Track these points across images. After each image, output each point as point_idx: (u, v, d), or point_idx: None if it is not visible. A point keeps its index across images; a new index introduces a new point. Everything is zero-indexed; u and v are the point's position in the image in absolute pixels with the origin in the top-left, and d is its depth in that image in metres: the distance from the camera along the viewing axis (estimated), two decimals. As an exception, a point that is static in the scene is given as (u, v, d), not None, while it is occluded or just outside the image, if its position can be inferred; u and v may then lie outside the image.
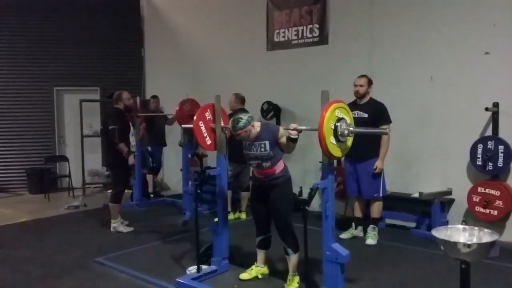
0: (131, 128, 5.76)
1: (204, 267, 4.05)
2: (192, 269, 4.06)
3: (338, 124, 3.09)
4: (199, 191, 4.05)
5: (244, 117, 3.49)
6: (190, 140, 6.50)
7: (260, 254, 3.99)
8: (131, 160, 5.52)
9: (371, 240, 4.93)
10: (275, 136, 3.56)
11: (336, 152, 3.16)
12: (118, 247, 4.95)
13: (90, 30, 8.77)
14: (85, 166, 8.37)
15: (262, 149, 3.55)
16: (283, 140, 3.54)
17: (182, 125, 5.79)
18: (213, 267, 4.09)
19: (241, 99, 5.99)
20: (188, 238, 5.11)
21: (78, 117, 8.39)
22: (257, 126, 3.59)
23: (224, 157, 4.17)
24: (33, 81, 8.58)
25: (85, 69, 8.77)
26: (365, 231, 5.07)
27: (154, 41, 9.01)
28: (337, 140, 3.11)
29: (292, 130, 3.36)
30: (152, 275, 4.06)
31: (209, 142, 4.21)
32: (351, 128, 3.17)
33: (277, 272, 4.05)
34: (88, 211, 6.94)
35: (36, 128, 8.65)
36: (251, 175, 4.35)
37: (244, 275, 3.97)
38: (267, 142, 3.54)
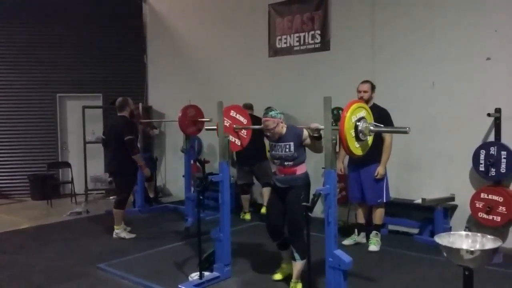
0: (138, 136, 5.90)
1: (206, 273, 4.04)
2: (195, 275, 4.06)
3: (359, 123, 3.14)
4: (201, 197, 4.05)
5: (277, 110, 3.80)
6: (193, 146, 6.52)
7: (285, 254, 4.02)
8: (147, 172, 5.68)
9: (374, 246, 4.91)
10: (300, 138, 3.71)
11: (357, 151, 3.21)
12: (120, 253, 4.95)
13: (93, 37, 8.82)
14: (88, 172, 8.39)
15: (287, 150, 3.72)
16: (308, 141, 3.68)
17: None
18: (215, 274, 4.08)
19: (245, 106, 6.02)
20: (190, 245, 5.11)
21: (80, 123, 8.41)
22: (283, 127, 3.79)
23: (226, 163, 4.17)
24: (36, 87, 8.61)
25: (88, 75, 8.80)
26: (368, 238, 5.06)
27: (157, 48, 9.05)
28: (358, 139, 3.16)
29: (313, 128, 3.49)
30: (154, 281, 4.05)
31: (238, 143, 4.32)
32: (372, 128, 3.21)
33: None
34: (90, 217, 6.94)
35: (39, 135, 8.67)
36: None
37: (277, 276, 4.02)
38: (292, 144, 3.71)
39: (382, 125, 3.31)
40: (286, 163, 3.74)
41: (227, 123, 4.19)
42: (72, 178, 8.19)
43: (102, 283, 4.17)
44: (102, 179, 8.79)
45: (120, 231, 5.63)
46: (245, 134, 4.38)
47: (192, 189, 6.44)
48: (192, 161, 6.61)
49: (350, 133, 3.08)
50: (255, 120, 5.26)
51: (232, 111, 4.27)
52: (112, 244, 5.40)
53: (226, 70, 7.72)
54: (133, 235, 5.65)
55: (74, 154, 8.83)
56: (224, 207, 4.16)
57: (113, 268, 4.47)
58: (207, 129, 5.65)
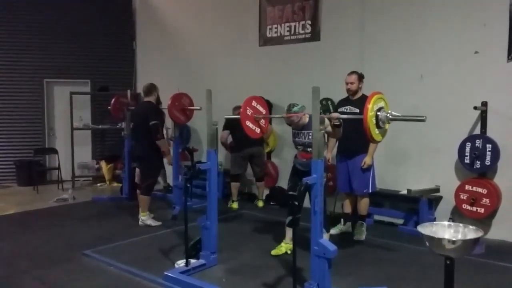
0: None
1: (192, 261, 4.06)
2: (181, 262, 4.07)
3: (379, 113, 3.36)
4: (188, 185, 4.06)
5: (299, 104, 4.13)
6: (181, 134, 6.48)
7: (289, 232, 4.31)
8: (169, 160, 5.58)
9: (359, 236, 4.96)
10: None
11: (378, 137, 3.46)
12: (106, 240, 4.94)
13: (81, 22, 8.70)
14: (75, 158, 8.32)
15: (310, 137, 4.04)
16: (329, 128, 3.95)
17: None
18: (201, 261, 4.10)
19: (235, 109, 5.95)
20: (177, 232, 5.12)
21: (68, 109, 8.33)
22: (306, 117, 4.13)
23: (214, 152, 4.17)
24: (23, 72, 8.49)
25: (76, 61, 8.70)
26: (353, 227, 5.11)
27: (146, 34, 8.96)
28: (378, 126, 3.39)
29: (335, 118, 3.77)
30: (140, 268, 4.05)
31: (258, 131, 4.41)
32: (390, 116, 3.42)
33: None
34: (77, 204, 6.92)
35: (26, 120, 8.57)
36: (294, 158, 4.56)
37: (275, 251, 4.37)
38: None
39: (399, 114, 3.47)
40: (309, 149, 4.07)
41: (249, 112, 4.31)
42: (59, 165, 8.13)
43: (87, 270, 4.16)
44: (89, 165, 8.74)
45: (146, 218, 5.54)
46: (263, 123, 4.49)
47: (180, 177, 6.43)
48: (180, 150, 6.59)
49: (372, 121, 3.32)
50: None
51: (253, 101, 4.38)
52: (98, 231, 5.38)
53: (216, 58, 7.67)
54: (159, 223, 5.56)
55: (61, 140, 8.75)
56: (211, 195, 4.16)
57: (99, 254, 4.46)
58: (226, 118, 5.64)
